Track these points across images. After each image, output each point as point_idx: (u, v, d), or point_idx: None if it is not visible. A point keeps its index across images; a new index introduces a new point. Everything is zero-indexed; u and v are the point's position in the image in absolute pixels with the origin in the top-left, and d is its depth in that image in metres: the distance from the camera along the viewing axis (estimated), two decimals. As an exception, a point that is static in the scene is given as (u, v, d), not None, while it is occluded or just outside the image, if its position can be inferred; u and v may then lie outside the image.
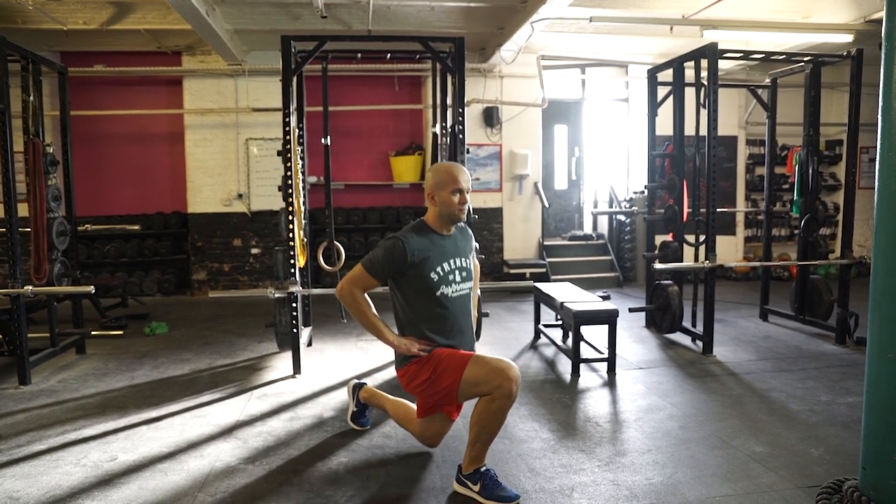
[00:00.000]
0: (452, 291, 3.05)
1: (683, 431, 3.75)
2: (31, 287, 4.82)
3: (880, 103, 1.99)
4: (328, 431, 3.80)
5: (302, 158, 5.57)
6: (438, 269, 3.01)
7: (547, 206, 9.70)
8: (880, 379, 2.07)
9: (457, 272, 3.07)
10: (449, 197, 2.98)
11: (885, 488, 1.98)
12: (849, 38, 7.47)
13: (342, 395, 4.44)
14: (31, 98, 5.22)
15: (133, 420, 4.01)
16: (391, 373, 5.05)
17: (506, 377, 2.82)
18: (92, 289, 5.08)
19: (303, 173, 5.60)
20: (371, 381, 4.78)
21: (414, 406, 3.38)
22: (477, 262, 3.40)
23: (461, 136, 5.11)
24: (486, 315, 5.47)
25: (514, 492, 2.91)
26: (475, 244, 3.36)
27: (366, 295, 3.03)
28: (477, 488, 2.91)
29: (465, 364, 2.91)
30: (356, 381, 3.88)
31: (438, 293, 3.00)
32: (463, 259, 3.12)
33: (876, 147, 2.01)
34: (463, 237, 3.21)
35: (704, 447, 3.51)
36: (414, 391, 3.12)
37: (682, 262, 6.06)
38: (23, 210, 5.02)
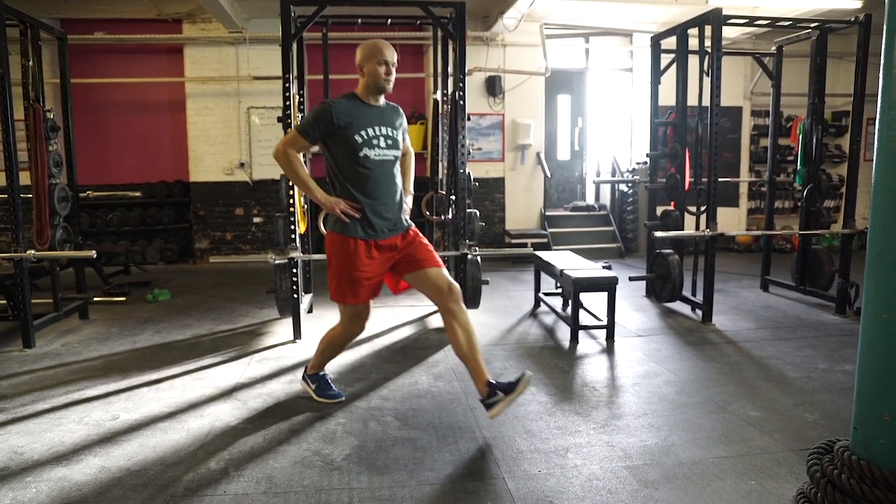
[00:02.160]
0: (375, 155, 3.31)
1: (680, 396, 3.78)
2: (33, 252, 4.85)
3: (882, 59, 1.96)
4: (327, 394, 3.84)
5: (302, 125, 5.55)
6: (363, 132, 3.27)
7: (549, 176, 9.67)
8: (874, 339, 2.06)
9: (381, 139, 3.33)
10: (375, 68, 3.26)
11: (876, 447, 1.99)
12: (858, 3, 7.36)
13: (341, 359, 4.45)
14: (31, 63, 5.20)
15: (135, 382, 4.06)
16: (390, 338, 5.10)
17: (353, 329, 3.57)
18: (94, 253, 5.11)
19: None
20: (369, 348, 4.84)
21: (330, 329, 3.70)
22: (409, 146, 3.66)
23: (462, 102, 5.08)
24: (487, 283, 5.48)
25: (340, 393, 3.72)
26: (405, 124, 3.56)
27: (299, 155, 3.35)
28: (313, 387, 3.69)
29: (345, 300, 3.44)
30: (302, 371, 3.89)
31: (361, 154, 3.28)
32: (389, 129, 3.38)
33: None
34: (391, 111, 3.46)
35: (700, 411, 3.54)
36: (327, 257, 3.47)
37: (682, 230, 6.05)
38: (25, 178, 5.04)
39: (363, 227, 3.32)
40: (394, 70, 3.32)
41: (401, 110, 3.54)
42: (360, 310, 3.50)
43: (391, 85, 3.32)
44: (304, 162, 5.53)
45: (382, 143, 3.33)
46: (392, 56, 3.30)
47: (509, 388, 3.17)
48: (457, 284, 3.38)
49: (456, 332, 3.26)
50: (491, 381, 3.21)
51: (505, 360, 4.49)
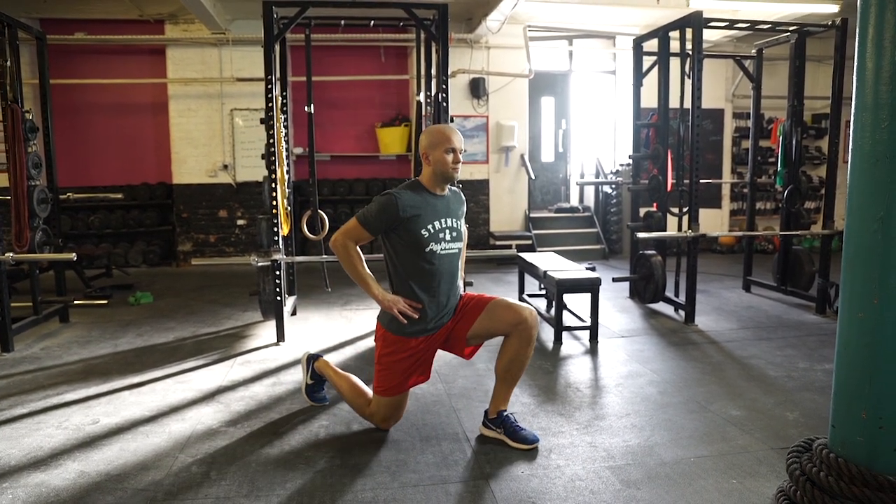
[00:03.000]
0: (441, 249, 3.11)
1: (662, 396, 3.80)
2: (11, 254, 4.80)
3: (855, 61, 1.99)
4: (310, 396, 3.82)
5: (286, 127, 5.54)
6: (430, 226, 3.07)
7: (533, 178, 9.69)
8: (850, 338, 2.09)
9: (447, 231, 3.13)
10: (443, 156, 3.05)
11: (853, 445, 2.02)
12: (835, 8, 7.46)
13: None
14: (9, 63, 5.14)
15: (115, 385, 4.02)
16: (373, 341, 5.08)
17: (380, 422, 3.28)
18: (74, 256, 5.06)
19: (286, 142, 5.57)
20: (353, 350, 4.83)
21: (362, 386, 3.41)
22: (465, 228, 3.42)
23: (445, 104, 5.08)
24: (471, 284, 5.49)
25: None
26: (465, 209, 3.38)
27: (357, 248, 3.09)
28: (310, 383, 3.61)
29: (385, 394, 3.18)
30: (310, 353, 3.75)
31: (427, 249, 3.06)
32: (454, 220, 3.19)
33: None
34: (456, 199, 3.27)
35: (682, 411, 3.57)
36: (377, 353, 3.22)
37: (665, 231, 6.10)
38: (3, 180, 4.97)
39: (420, 326, 3.13)
40: (461, 157, 3.12)
41: (462, 196, 3.37)
42: (401, 399, 3.25)
43: (458, 173, 3.12)
44: (287, 162, 5.52)
45: (448, 237, 3.14)
46: (460, 142, 3.10)
47: (513, 436, 3.13)
48: (534, 312, 3.20)
49: (514, 354, 3.16)
50: (505, 412, 3.19)
51: (489, 362, 4.48)
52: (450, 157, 3.06)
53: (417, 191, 3.11)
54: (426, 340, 3.16)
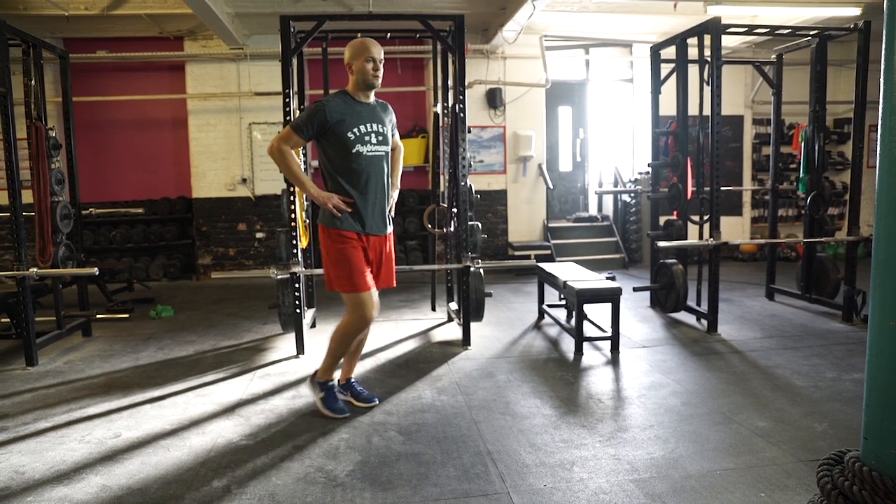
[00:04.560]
0: (367, 151, 3.47)
1: (686, 407, 3.74)
2: (35, 269, 4.85)
3: (882, 64, 1.95)
4: (330, 409, 3.81)
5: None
6: (355, 129, 3.42)
7: (551, 187, 9.66)
8: (882, 347, 2.03)
9: (373, 135, 3.49)
10: (363, 65, 3.42)
11: (887, 457, 1.95)
12: (857, 10, 7.37)
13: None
14: (34, 82, 5.22)
15: (137, 399, 4.04)
16: (392, 353, 5.07)
17: (363, 315, 3.51)
18: (96, 270, 5.10)
19: (304, 155, 5.59)
20: (372, 362, 4.81)
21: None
22: (398, 141, 3.83)
23: (462, 114, 5.08)
24: (490, 295, 5.45)
25: (346, 410, 3.68)
26: (395, 119, 3.75)
27: (292, 152, 3.46)
28: (322, 395, 3.68)
29: (349, 289, 3.48)
30: (309, 375, 3.85)
31: (354, 150, 3.42)
32: (379, 125, 3.53)
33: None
34: (381, 108, 3.63)
35: (707, 422, 3.51)
36: (323, 254, 3.56)
37: (686, 240, 6.03)
38: (27, 197, 5.04)
39: (356, 221, 3.49)
40: (381, 66, 3.46)
41: (390, 107, 3.71)
42: (365, 298, 3.51)
43: (379, 81, 3.47)
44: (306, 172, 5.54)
45: (374, 140, 3.48)
46: (379, 53, 3.46)
47: (358, 396, 3.79)
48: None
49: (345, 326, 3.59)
50: (351, 379, 3.85)
51: (509, 373, 4.45)
52: (370, 66, 3.42)
53: (343, 97, 3.47)
54: (361, 239, 3.51)
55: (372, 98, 3.57)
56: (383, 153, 3.56)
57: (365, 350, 5.12)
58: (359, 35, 5.82)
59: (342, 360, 3.79)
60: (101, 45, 8.92)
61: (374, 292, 3.58)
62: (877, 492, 1.84)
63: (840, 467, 2.07)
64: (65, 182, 5.50)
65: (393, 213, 3.75)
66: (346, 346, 3.63)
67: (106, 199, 8.99)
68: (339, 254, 3.47)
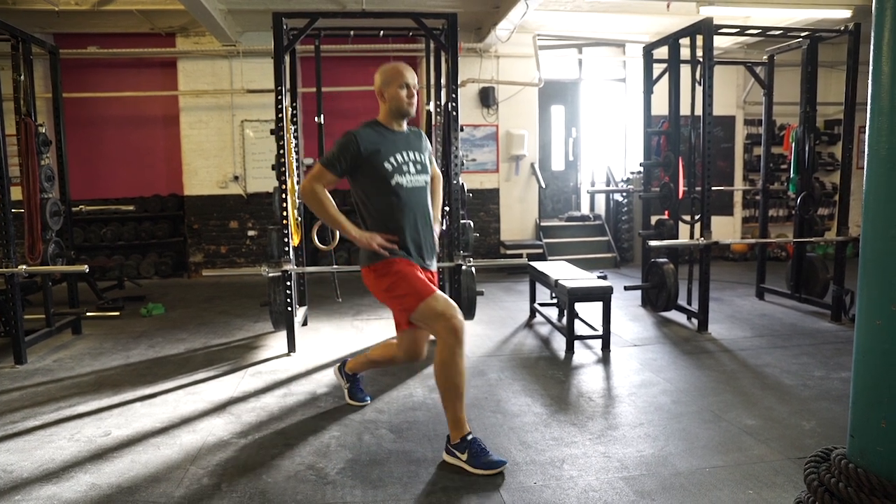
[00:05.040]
0: (407, 182, 3.14)
1: (676, 406, 3.76)
2: (24, 267, 4.82)
3: (871, 66, 1.96)
4: (321, 407, 3.81)
5: (296, 137, 5.55)
6: (392, 159, 3.10)
7: (544, 186, 9.67)
8: (868, 346, 2.05)
9: (411, 164, 3.17)
10: (397, 92, 3.13)
11: (873, 455, 1.97)
12: (847, 13, 7.41)
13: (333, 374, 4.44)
14: (23, 78, 5.19)
15: (127, 397, 4.03)
16: (386, 351, 5.06)
17: (448, 324, 2.94)
18: (86, 268, 5.09)
19: (297, 152, 5.58)
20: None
21: (391, 340, 3.51)
22: (437, 169, 3.51)
23: (455, 113, 5.08)
24: (482, 294, 5.46)
25: (500, 458, 2.98)
26: (430, 147, 3.45)
27: (327, 192, 3.11)
28: (464, 457, 2.96)
29: (420, 299, 3.00)
30: (339, 362, 3.93)
31: (393, 182, 3.10)
32: (416, 153, 3.23)
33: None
34: (416, 136, 3.32)
35: (696, 421, 3.52)
36: (376, 295, 3.22)
37: (677, 239, 6.05)
38: (17, 193, 5.02)
39: (402, 252, 3.12)
40: (416, 92, 3.19)
41: (424, 134, 3.41)
42: (439, 301, 3.01)
43: (414, 109, 3.19)
44: (298, 173, 5.53)
45: (413, 169, 3.17)
46: (413, 78, 3.18)
47: (478, 465, 2.92)
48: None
49: (440, 354, 3.01)
50: (470, 437, 3.00)
51: (500, 371, 4.46)
52: (404, 92, 3.13)
53: (375, 127, 3.17)
54: (413, 265, 3.13)
55: (405, 126, 3.27)
56: (424, 183, 3.24)
57: (356, 348, 5.15)
58: (351, 33, 5.86)
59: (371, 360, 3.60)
60: (91, 40, 8.86)
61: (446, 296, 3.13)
62: (862, 488, 1.86)
63: (827, 464, 2.09)
64: (55, 179, 5.47)
65: (437, 248, 3.41)
66: (454, 378, 2.95)
67: (97, 196, 8.95)
68: (395, 276, 3.06)
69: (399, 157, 3.14)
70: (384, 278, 3.09)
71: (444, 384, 2.97)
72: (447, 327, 2.93)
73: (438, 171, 3.54)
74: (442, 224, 3.48)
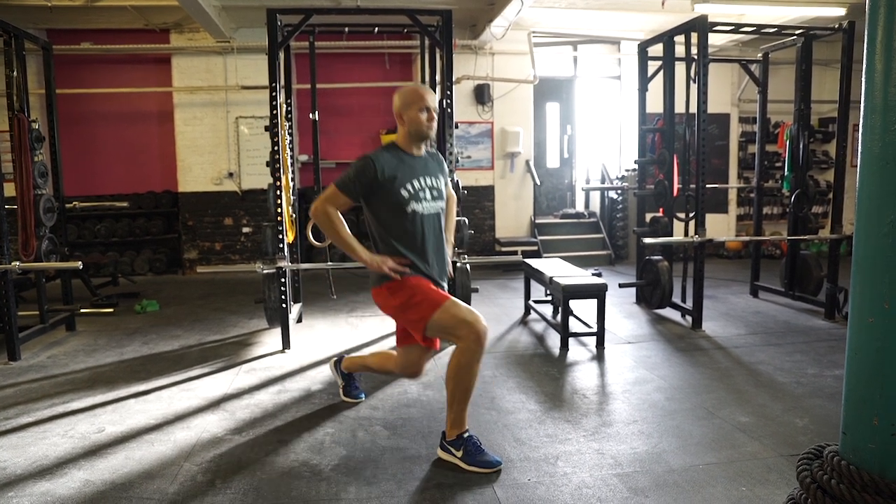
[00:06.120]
0: (423, 209, 3.07)
1: (670, 403, 3.77)
2: (18, 263, 4.80)
3: (864, 64, 1.97)
4: (316, 404, 3.81)
5: (290, 134, 5.55)
6: (409, 185, 3.03)
7: (539, 183, 9.68)
8: (861, 344, 2.06)
9: (427, 190, 3.10)
10: (417, 115, 3.02)
11: (865, 452, 1.98)
12: (842, 11, 7.43)
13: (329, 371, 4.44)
14: (16, 74, 5.16)
15: (121, 394, 4.02)
16: (379, 348, 5.07)
17: (473, 329, 2.88)
18: (80, 264, 5.06)
19: (291, 149, 5.57)
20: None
21: (391, 351, 3.48)
22: (452, 191, 3.42)
23: (450, 110, 5.08)
24: (476, 291, 5.46)
25: (496, 458, 2.98)
26: (447, 170, 3.35)
27: (339, 214, 3.03)
28: (459, 454, 2.97)
29: (436, 306, 2.94)
30: (335, 358, 3.93)
31: (409, 209, 3.03)
32: (433, 179, 3.15)
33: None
34: (434, 160, 3.23)
35: (690, 418, 3.53)
36: (388, 313, 3.16)
37: (672, 237, 6.07)
38: (10, 190, 4.99)
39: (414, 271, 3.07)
40: (436, 115, 3.09)
41: (441, 157, 3.33)
42: (456, 306, 2.97)
43: (434, 132, 3.10)
44: (292, 169, 5.52)
45: (429, 196, 3.10)
46: (433, 101, 3.07)
47: (472, 463, 2.95)
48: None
49: (459, 358, 2.98)
50: (466, 434, 3.02)
51: (495, 368, 4.47)
52: (424, 116, 3.03)
53: (393, 152, 3.07)
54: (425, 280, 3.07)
55: (423, 150, 3.18)
56: (439, 210, 3.18)
57: (351, 345, 5.15)
58: (346, 30, 5.86)
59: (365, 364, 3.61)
60: (85, 36, 8.81)
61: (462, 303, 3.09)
62: (854, 485, 1.87)
63: (819, 461, 2.10)
64: (48, 175, 5.44)
65: (451, 272, 3.34)
66: (468, 383, 2.97)
67: (90, 192, 8.89)
68: (409, 289, 3.00)
69: (416, 184, 3.06)
70: (397, 294, 3.02)
71: (457, 386, 2.96)
72: (473, 332, 2.89)
73: (454, 193, 3.48)
74: (454, 246, 3.43)
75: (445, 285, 3.23)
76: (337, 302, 6.65)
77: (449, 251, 3.31)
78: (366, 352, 4.78)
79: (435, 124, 3.09)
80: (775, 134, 9.68)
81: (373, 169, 2.95)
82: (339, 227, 3.01)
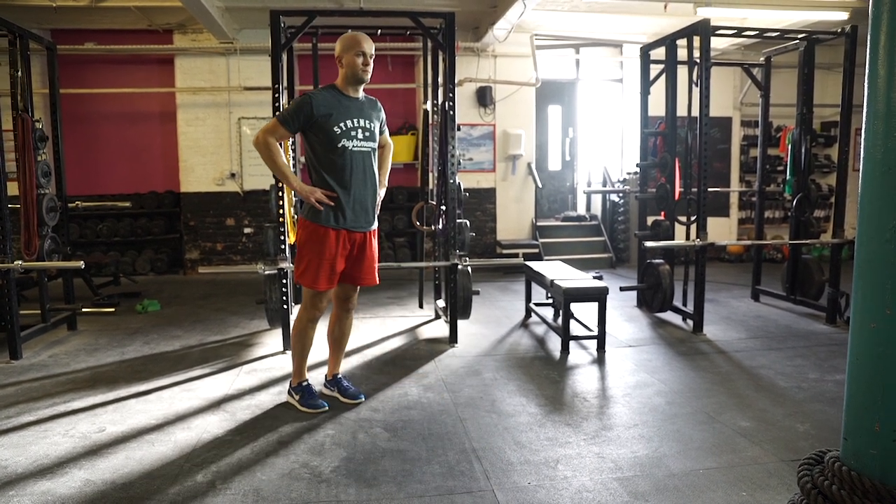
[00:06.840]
0: (353, 146, 3.45)
1: (670, 407, 3.77)
2: (20, 262, 4.81)
3: (867, 68, 1.96)
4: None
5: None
6: (342, 123, 3.40)
7: (540, 186, 9.68)
8: (863, 349, 2.05)
9: (359, 130, 3.47)
10: (353, 59, 3.39)
11: (866, 458, 1.97)
12: (844, 15, 7.44)
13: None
14: (20, 73, 5.17)
15: (122, 393, 4.02)
16: (379, 349, 5.07)
17: (308, 307, 3.61)
18: (82, 264, 5.07)
19: (293, 150, 5.57)
20: (359, 359, 4.81)
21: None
22: (388, 139, 3.83)
23: (452, 112, 5.08)
24: (478, 293, 5.46)
25: (323, 403, 3.70)
26: (384, 117, 3.72)
27: (277, 144, 3.43)
28: (297, 398, 3.69)
29: (303, 277, 3.51)
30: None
31: (340, 145, 3.40)
32: (367, 121, 3.51)
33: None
34: (370, 104, 3.60)
35: (691, 422, 3.53)
36: (296, 241, 3.60)
37: (673, 240, 6.06)
38: (13, 189, 5.00)
39: (336, 216, 3.46)
40: (371, 61, 3.43)
41: (379, 104, 3.68)
42: (321, 297, 3.60)
43: (369, 76, 3.45)
44: (294, 170, 5.53)
45: (360, 135, 3.46)
46: (370, 47, 3.41)
47: (344, 392, 3.81)
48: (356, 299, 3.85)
49: (338, 324, 3.83)
50: (338, 375, 3.89)
51: (495, 371, 4.47)
52: (360, 60, 3.39)
53: (332, 92, 3.45)
54: (339, 236, 3.47)
55: (361, 94, 3.55)
56: (369, 149, 3.53)
57: (352, 346, 5.14)
58: (349, 31, 5.85)
59: (327, 356, 3.91)
60: (89, 36, 8.84)
61: (331, 292, 3.66)
62: (855, 491, 1.86)
63: (820, 467, 2.09)
64: (51, 174, 5.45)
65: (378, 211, 3.68)
66: (305, 342, 3.70)
67: (93, 192, 8.91)
68: (311, 250, 3.47)
69: (349, 123, 3.42)
70: (308, 241, 3.48)
71: (296, 344, 3.70)
72: (312, 313, 3.64)
73: (389, 141, 3.85)
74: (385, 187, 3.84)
75: (374, 223, 3.64)
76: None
77: (381, 192, 3.67)
78: (375, 366, 4.78)
79: (370, 69, 3.45)
80: (777, 138, 9.69)
81: (309, 106, 3.35)
82: (276, 156, 3.42)
